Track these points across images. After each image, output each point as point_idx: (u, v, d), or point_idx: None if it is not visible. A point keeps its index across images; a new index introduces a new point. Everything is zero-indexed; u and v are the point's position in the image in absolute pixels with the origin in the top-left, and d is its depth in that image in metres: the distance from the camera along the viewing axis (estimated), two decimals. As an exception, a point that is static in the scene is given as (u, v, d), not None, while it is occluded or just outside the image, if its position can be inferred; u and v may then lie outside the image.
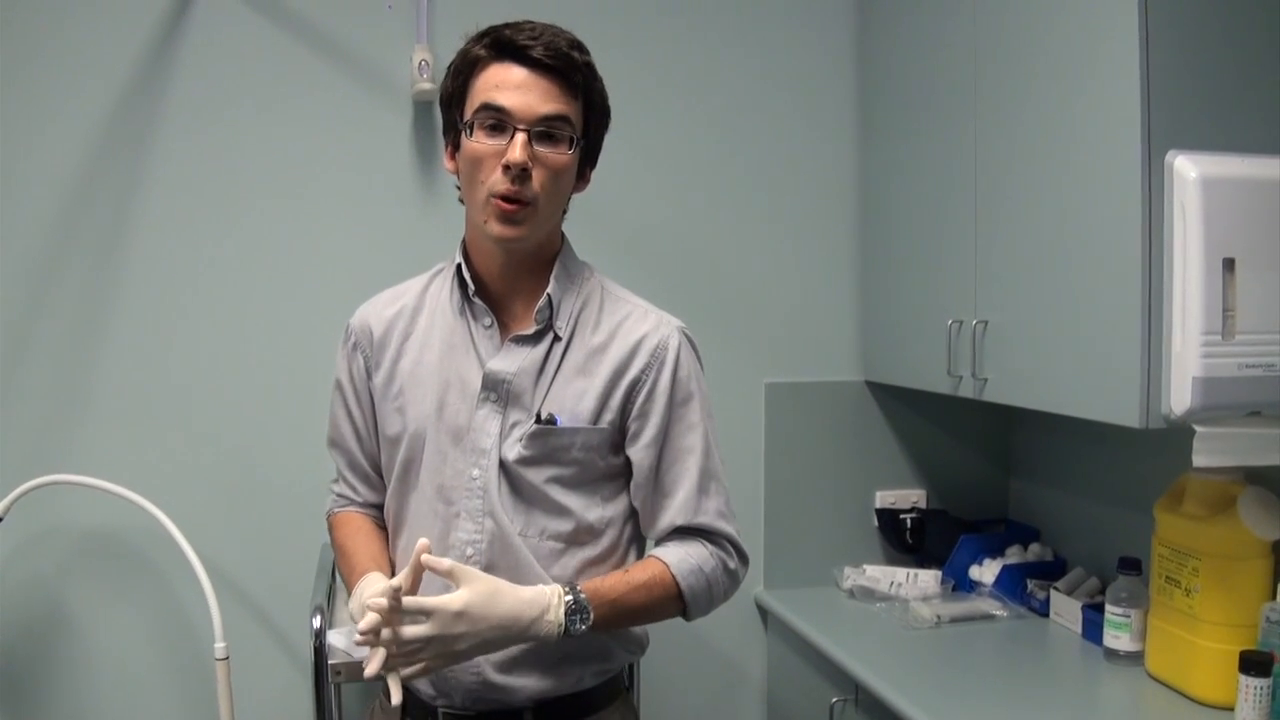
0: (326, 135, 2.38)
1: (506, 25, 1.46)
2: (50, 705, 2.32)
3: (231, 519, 2.37)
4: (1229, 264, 1.64)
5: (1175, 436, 1.73)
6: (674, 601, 1.51)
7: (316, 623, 1.89)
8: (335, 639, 1.97)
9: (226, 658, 2.10)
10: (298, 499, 2.37)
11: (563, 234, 1.58)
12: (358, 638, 1.33)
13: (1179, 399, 1.66)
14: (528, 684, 1.48)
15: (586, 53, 1.48)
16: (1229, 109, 1.71)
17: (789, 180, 2.62)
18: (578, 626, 1.41)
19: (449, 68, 1.50)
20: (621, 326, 1.54)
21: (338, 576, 2.30)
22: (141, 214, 2.31)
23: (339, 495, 1.68)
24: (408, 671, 1.35)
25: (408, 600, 1.32)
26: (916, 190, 2.37)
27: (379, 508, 1.64)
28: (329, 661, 1.89)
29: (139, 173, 2.30)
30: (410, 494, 1.55)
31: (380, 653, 1.33)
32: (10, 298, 2.27)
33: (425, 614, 1.32)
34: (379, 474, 1.63)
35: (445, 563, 1.35)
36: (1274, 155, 1.68)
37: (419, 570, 1.35)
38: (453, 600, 1.33)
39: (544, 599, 1.40)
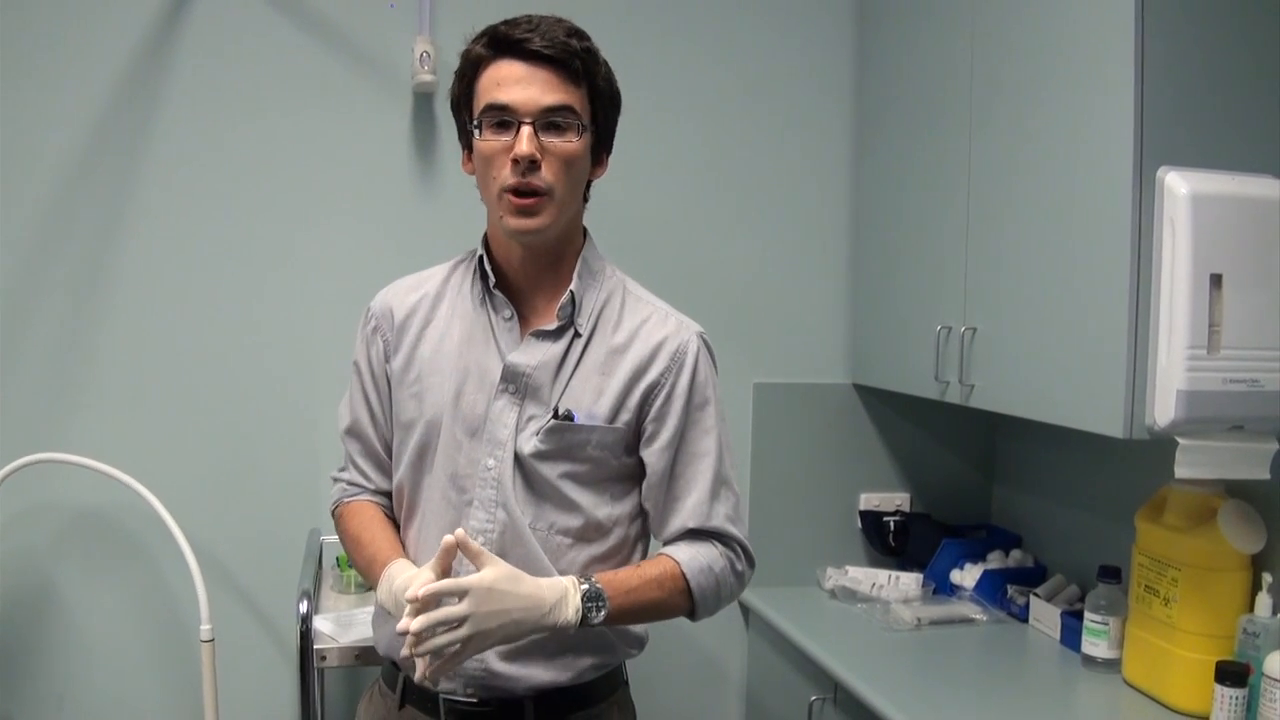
0: (326, 124, 2.38)
1: (504, 22, 1.46)
2: (35, 681, 2.32)
3: (221, 503, 2.37)
4: (1216, 280, 1.66)
5: (1158, 448, 1.75)
6: (683, 599, 1.53)
7: (303, 608, 1.90)
8: (322, 624, 1.99)
9: (212, 640, 2.11)
10: (287, 484, 2.39)
11: (585, 230, 1.59)
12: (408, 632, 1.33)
13: (1163, 411, 1.68)
14: (530, 673, 1.48)
15: (586, 39, 1.48)
16: (1221, 127, 1.73)
17: (783, 182, 2.63)
18: (595, 615, 1.41)
19: (455, 73, 1.51)
20: (642, 328, 1.55)
21: (325, 562, 2.32)
22: (140, 198, 2.31)
23: (349, 484, 1.65)
24: (438, 662, 1.34)
25: (445, 582, 1.32)
26: (909, 196, 2.38)
27: (389, 495, 1.63)
28: (314, 646, 1.91)
29: (138, 157, 2.31)
30: (423, 480, 1.55)
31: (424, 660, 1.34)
32: (9, 277, 2.27)
33: (461, 594, 1.32)
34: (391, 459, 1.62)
35: (476, 545, 1.36)
36: (1264, 174, 1.71)
37: (448, 557, 1.35)
38: (483, 577, 1.34)
39: (561, 585, 1.41)
